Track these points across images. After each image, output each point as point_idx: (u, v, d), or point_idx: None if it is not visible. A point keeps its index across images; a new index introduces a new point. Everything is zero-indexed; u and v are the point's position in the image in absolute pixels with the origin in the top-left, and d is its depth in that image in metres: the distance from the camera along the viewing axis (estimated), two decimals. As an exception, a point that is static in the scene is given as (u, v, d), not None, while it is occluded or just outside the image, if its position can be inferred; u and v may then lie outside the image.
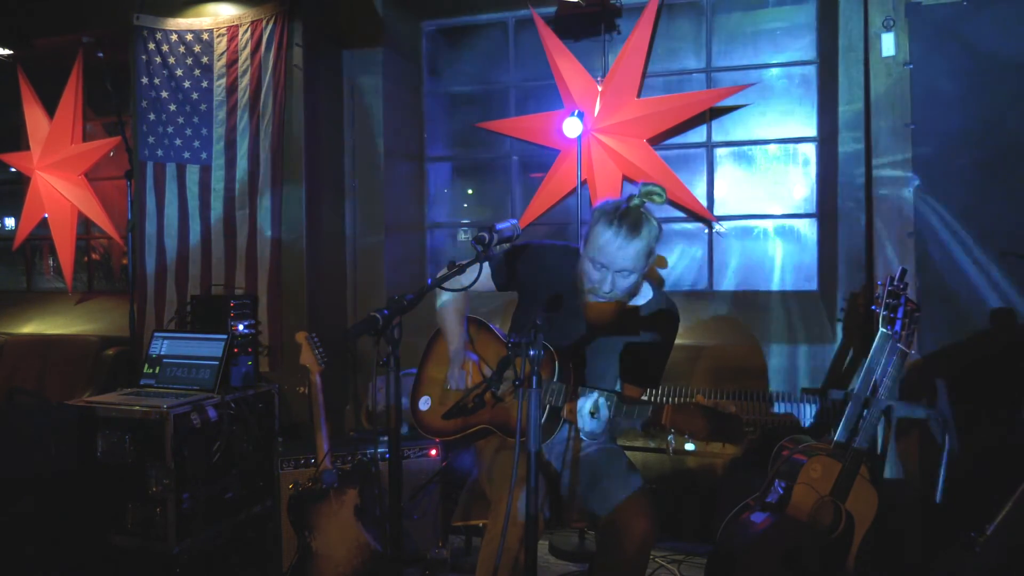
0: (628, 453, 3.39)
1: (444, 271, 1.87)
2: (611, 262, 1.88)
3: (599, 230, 1.89)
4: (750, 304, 3.69)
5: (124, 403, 3.10)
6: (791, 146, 3.72)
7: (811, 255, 3.69)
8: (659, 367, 2.11)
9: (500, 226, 1.93)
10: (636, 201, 1.88)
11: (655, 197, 1.88)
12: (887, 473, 2.96)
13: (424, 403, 2.14)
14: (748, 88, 3.61)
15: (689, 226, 3.89)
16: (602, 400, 1.86)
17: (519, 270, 2.04)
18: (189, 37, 3.89)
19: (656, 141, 3.75)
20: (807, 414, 3.22)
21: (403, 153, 4.23)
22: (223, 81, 3.85)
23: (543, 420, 1.80)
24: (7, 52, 4.57)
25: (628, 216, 1.86)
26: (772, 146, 3.75)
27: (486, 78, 4.22)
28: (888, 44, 3.08)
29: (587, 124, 3.66)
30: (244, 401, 3.35)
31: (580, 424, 1.87)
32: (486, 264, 1.95)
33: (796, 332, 3.49)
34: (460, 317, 2.17)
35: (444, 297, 2.15)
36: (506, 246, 1.94)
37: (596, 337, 2.05)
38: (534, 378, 1.57)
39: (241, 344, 3.48)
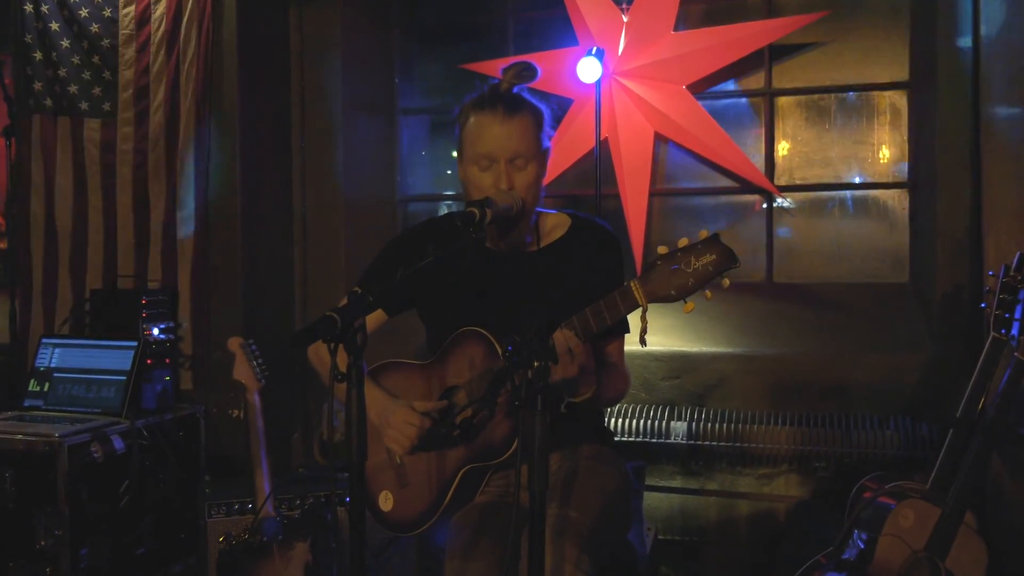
0: (662, 495, 3.37)
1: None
2: (498, 149, 1.99)
3: (472, 122, 2.04)
4: (820, 300, 3.68)
5: (2, 431, 3.08)
6: (876, 94, 3.71)
7: (901, 236, 3.68)
8: None
9: (497, 199, 1.91)
10: (504, 85, 2.07)
11: (525, 74, 2.07)
12: (1001, 522, 2.96)
13: (385, 501, 2.14)
14: (820, 18, 3.59)
15: (742, 199, 3.87)
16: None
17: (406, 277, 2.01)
18: (87, -49, 3.86)
19: (698, 88, 3.73)
20: (896, 444, 3.21)
21: (367, 104, 4.21)
22: (132, 9, 3.82)
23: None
24: None
25: (498, 95, 2.04)
26: (851, 94, 3.73)
27: (476, 5, 4.19)
28: (1005, -41, 3.07)
29: (608, 66, 3.64)
30: (160, 428, 3.34)
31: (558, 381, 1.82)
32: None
33: (881, 337, 3.48)
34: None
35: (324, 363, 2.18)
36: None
37: (529, 295, 2.09)
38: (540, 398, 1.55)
39: (156, 353, 3.47)
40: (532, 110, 2.06)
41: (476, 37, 4.19)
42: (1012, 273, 2.49)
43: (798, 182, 3.81)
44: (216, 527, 2.95)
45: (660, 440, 3.42)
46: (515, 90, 2.08)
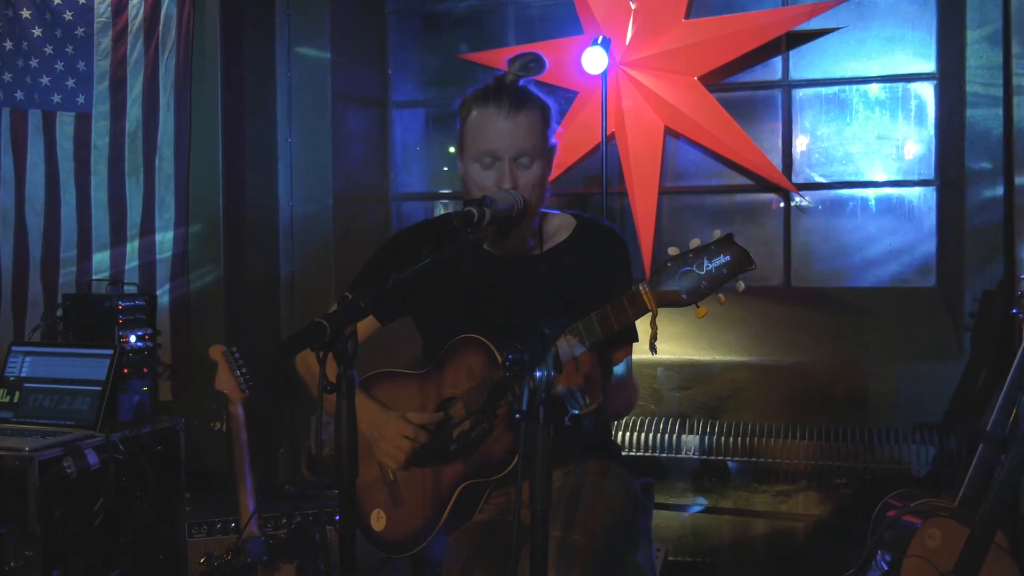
0: (672, 514, 3.36)
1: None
2: (502, 146, 1.98)
3: (475, 116, 2.02)
4: (841, 306, 3.68)
5: (-30, 444, 3.09)
6: (900, 86, 3.71)
7: (928, 238, 3.69)
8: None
9: (497, 198, 1.91)
10: (510, 77, 2.03)
11: (532, 65, 2.03)
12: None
13: (377, 519, 2.13)
14: (840, 5, 3.60)
15: (758, 198, 3.88)
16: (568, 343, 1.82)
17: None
18: (60, -66, 3.87)
19: (711, 80, 3.74)
20: (922, 459, 3.21)
21: (359, 97, 4.21)
22: (108, -5, 3.84)
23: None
24: None
25: (504, 88, 2.01)
26: (874, 86, 3.74)
27: (475, -9, 4.22)
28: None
29: (615, 56, 3.65)
30: (137, 442, 3.34)
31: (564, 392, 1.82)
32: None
33: (906, 345, 3.48)
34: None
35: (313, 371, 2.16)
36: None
37: (531, 301, 2.08)
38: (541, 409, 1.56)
39: (134, 362, 3.46)
40: (539, 105, 2.04)
41: (474, 25, 4.20)
42: (1046, 277, 2.50)
43: (817, 180, 3.81)
44: (197, 547, 2.95)
45: (670, 455, 3.42)
46: (521, 83, 2.06)
